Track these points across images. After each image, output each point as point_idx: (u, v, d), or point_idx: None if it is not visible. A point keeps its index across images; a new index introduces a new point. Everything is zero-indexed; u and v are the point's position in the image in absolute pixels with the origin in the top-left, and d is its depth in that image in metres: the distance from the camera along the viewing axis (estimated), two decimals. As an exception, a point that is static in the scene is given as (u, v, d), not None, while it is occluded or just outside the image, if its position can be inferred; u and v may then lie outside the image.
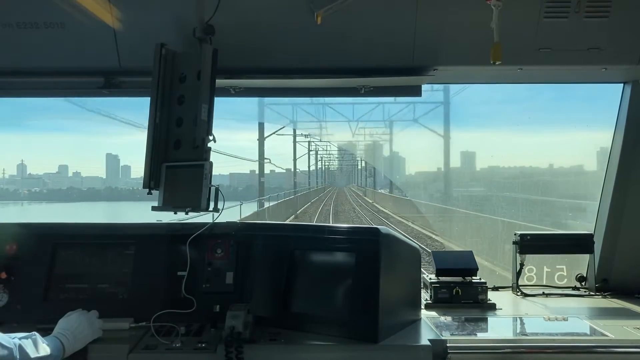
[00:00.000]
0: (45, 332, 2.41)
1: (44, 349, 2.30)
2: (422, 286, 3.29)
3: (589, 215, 4.03)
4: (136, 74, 3.15)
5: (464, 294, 3.34)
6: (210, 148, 2.85)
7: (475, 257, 3.51)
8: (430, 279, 3.44)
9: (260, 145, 36.49)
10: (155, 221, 3.37)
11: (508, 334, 3.00)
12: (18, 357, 2.16)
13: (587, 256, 3.74)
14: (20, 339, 2.23)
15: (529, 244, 3.69)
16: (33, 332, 2.31)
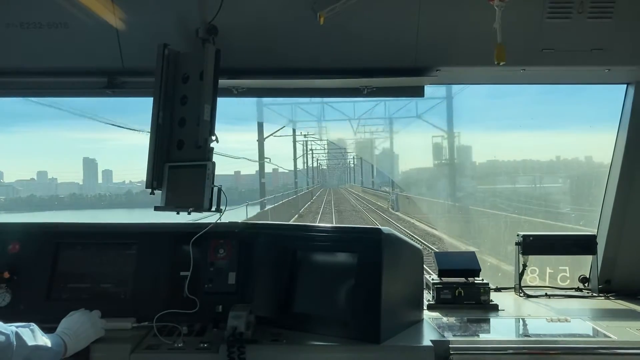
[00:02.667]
0: (48, 331, 2.41)
1: (43, 340, 2.30)
2: (424, 287, 3.28)
3: None
4: (139, 74, 3.16)
5: (466, 294, 3.33)
6: (212, 148, 2.85)
7: None
8: (432, 279, 3.43)
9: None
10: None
11: (511, 335, 2.99)
12: (15, 343, 2.15)
13: (590, 257, 3.73)
14: (17, 327, 2.22)
15: (532, 245, 3.68)
16: (31, 323, 2.31)
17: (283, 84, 3.38)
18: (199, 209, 2.77)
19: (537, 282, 3.80)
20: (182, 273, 3.00)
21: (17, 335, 2.18)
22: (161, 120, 2.94)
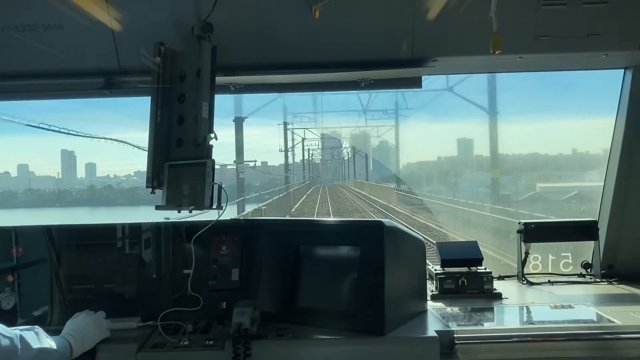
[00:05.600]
0: (53, 334, 2.42)
1: (48, 342, 2.30)
2: (427, 277, 3.29)
3: None
4: (136, 73, 3.15)
5: (469, 284, 3.34)
6: (212, 146, 2.85)
7: None
8: (435, 270, 3.44)
9: (285, 143, 37.34)
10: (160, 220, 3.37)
11: (515, 323, 3.00)
12: (19, 346, 2.15)
13: (592, 243, 3.74)
14: (21, 330, 2.22)
15: (534, 233, 3.69)
16: (35, 326, 2.31)
17: (280, 79, 3.37)
18: (200, 207, 2.77)
19: (539, 270, 3.81)
20: (185, 271, 3.01)
21: (22, 338, 2.18)
22: (159, 119, 2.94)
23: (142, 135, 3.12)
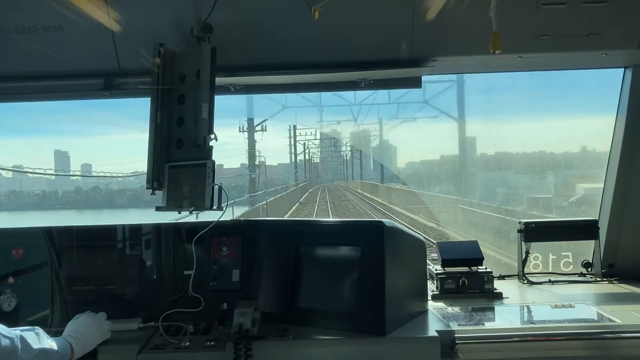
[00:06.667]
0: (54, 335, 2.42)
1: (49, 343, 2.29)
2: (428, 277, 3.29)
3: None
4: (136, 74, 3.15)
5: (470, 283, 3.35)
6: (212, 147, 2.85)
7: None
8: (436, 270, 3.44)
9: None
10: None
11: (515, 323, 3.00)
12: (20, 346, 2.14)
13: (592, 242, 3.74)
14: (22, 330, 2.22)
15: (534, 232, 3.69)
16: (35, 327, 2.31)
17: (280, 79, 3.37)
18: (200, 207, 2.77)
19: (540, 269, 3.81)
20: (186, 272, 3.01)
21: (22, 338, 2.17)
22: (159, 120, 2.94)
23: (142, 136, 3.12)
